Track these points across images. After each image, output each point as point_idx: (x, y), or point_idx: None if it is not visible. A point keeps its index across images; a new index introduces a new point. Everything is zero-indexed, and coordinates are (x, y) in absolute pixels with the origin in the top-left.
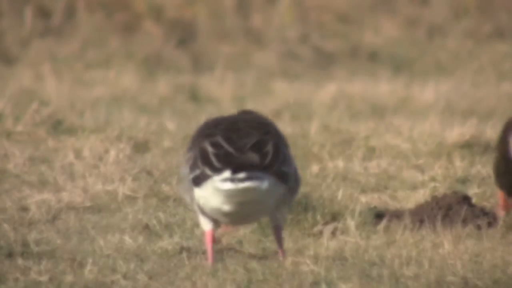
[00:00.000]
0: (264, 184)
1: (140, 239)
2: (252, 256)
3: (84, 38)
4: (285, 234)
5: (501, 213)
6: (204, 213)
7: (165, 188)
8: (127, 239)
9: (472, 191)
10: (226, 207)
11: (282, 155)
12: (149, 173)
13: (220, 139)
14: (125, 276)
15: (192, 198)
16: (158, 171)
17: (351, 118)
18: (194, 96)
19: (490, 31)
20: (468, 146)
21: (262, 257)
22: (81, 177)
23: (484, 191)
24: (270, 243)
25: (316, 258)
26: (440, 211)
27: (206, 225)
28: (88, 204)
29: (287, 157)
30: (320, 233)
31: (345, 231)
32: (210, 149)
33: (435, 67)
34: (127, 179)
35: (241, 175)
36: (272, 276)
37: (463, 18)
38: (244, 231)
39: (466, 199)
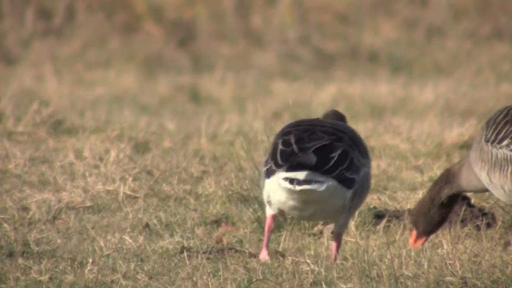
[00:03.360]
0: (323, 187)
1: (141, 238)
2: (252, 256)
3: (85, 38)
4: (285, 234)
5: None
6: (270, 203)
7: (165, 188)
8: (128, 238)
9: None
10: (290, 202)
11: (349, 161)
12: (149, 173)
13: (292, 138)
14: (125, 276)
15: (263, 188)
16: (158, 171)
17: (351, 118)
18: (194, 97)
19: (488, 32)
20: (467, 146)
21: None
22: (81, 177)
23: None
24: (270, 243)
25: (316, 258)
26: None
27: (269, 210)
28: (88, 204)
29: (356, 164)
30: (320, 233)
31: (345, 231)
32: (280, 146)
33: (434, 68)
34: (127, 179)
35: (301, 175)
36: (272, 276)
37: (462, 19)
38: (244, 230)
39: (465, 199)
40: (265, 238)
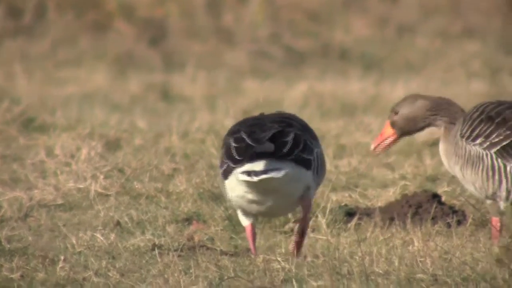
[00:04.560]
0: (282, 173)
1: (112, 236)
2: (223, 253)
3: (55, 37)
4: (257, 231)
5: (375, 148)
6: (237, 206)
7: (137, 185)
8: (99, 236)
9: (442, 189)
10: (250, 196)
11: (302, 143)
12: (120, 170)
13: (243, 134)
14: (96, 273)
15: (225, 191)
16: (129, 169)
17: (322, 116)
18: (166, 95)
19: (459, 30)
20: (438, 144)
21: (233, 254)
22: (52, 175)
23: (454, 189)
24: (241, 241)
25: (287, 256)
26: (410, 209)
27: (244, 221)
28: (60, 201)
29: (309, 145)
30: (291, 230)
31: (316, 229)
32: (233, 144)
33: (405, 66)
34: (98, 176)
35: (258, 166)
36: (244, 273)
37: (433, 17)
38: (215, 228)
39: (435, 197)
40: (251, 246)
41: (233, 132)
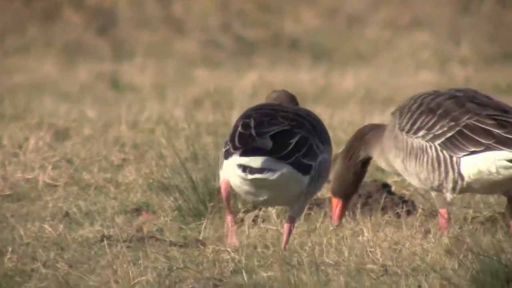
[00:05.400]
0: (275, 176)
1: (60, 227)
2: (173, 244)
3: (3, 25)
4: (206, 222)
5: (336, 223)
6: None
7: (86, 176)
8: (47, 227)
9: (392, 179)
10: (244, 187)
11: (307, 147)
12: (69, 161)
13: (252, 122)
14: (45, 265)
15: (220, 167)
16: (78, 159)
17: None
18: (115, 84)
19: (408, 21)
20: None
21: (183, 245)
22: (0, 165)
23: (403, 179)
24: (191, 231)
25: (237, 246)
26: (359, 199)
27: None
28: (7, 192)
29: (314, 150)
30: (242, 221)
31: (266, 219)
32: (240, 129)
33: (354, 56)
34: (47, 167)
35: (255, 163)
36: (193, 264)
37: (382, 7)
38: (165, 219)
39: (385, 187)
40: (225, 204)
41: (245, 116)
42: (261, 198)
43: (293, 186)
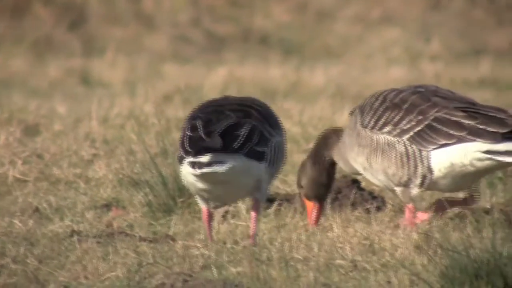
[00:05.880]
0: (225, 167)
1: (30, 222)
2: (142, 240)
3: None
4: (175, 218)
5: (313, 226)
6: (192, 191)
7: (56, 171)
8: (17, 222)
9: (361, 175)
10: (200, 185)
11: (257, 135)
12: (39, 156)
13: (199, 123)
14: (14, 260)
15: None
16: (48, 154)
17: None
18: (85, 80)
19: (378, 17)
20: None
21: (152, 240)
22: None
23: None
24: (161, 227)
25: (206, 242)
26: (329, 195)
27: (200, 204)
28: None
29: (266, 136)
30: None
31: (236, 215)
32: (188, 132)
33: (324, 52)
34: (17, 162)
35: (203, 159)
36: (163, 260)
37: (352, 3)
38: (135, 214)
39: (355, 182)
40: (207, 231)
41: (192, 117)
42: (217, 193)
43: (249, 175)
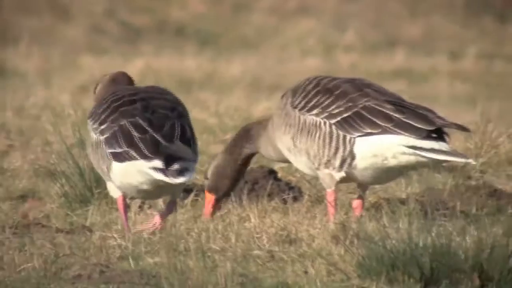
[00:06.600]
0: (191, 176)
1: None
2: (59, 231)
3: None
4: (92, 208)
5: (207, 217)
6: (118, 186)
7: None
8: None
9: (278, 165)
10: (145, 187)
11: (192, 137)
12: None
13: (140, 121)
14: None
15: (109, 169)
16: None
17: None
18: None
19: (294, 7)
20: None
21: (69, 231)
22: None
23: (290, 165)
24: (77, 218)
25: (123, 233)
26: (246, 185)
27: (115, 192)
28: None
29: (194, 135)
30: (128, 207)
31: (153, 205)
32: (134, 132)
33: (241, 43)
34: None
35: (175, 166)
36: (79, 251)
37: None
38: (51, 205)
39: (272, 173)
40: (124, 222)
41: (124, 113)
42: (153, 193)
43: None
